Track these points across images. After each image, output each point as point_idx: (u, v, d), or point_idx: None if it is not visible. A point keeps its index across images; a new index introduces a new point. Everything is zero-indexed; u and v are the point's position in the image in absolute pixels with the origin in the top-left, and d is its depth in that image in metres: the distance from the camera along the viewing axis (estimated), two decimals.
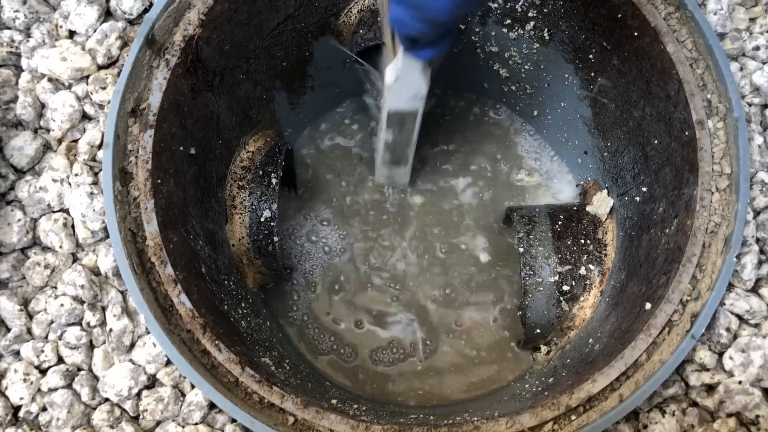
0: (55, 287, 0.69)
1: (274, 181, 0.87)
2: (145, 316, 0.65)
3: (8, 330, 0.68)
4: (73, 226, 0.70)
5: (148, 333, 0.67)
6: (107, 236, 0.69)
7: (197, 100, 0.78)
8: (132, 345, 0.67)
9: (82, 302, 0.68)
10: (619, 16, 0.76)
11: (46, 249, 0.70)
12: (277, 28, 0.86)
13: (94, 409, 0.66)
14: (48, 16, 0.75)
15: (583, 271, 0.85)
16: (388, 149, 0.95)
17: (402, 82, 0.80)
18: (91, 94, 0.72)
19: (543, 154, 1.07)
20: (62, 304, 0.67)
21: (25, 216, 0.70)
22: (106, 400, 0.66)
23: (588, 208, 0.91)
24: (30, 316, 0.68)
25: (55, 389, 0.66)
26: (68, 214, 0.70)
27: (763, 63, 0.76)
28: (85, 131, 0.73)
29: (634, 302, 0.74)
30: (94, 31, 0.73)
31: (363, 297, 1.00)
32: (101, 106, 0.73)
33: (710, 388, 0.67)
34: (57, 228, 0.69)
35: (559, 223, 0.88)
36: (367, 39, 0.88)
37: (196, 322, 0.65)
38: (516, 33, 0.91)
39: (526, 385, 0.84)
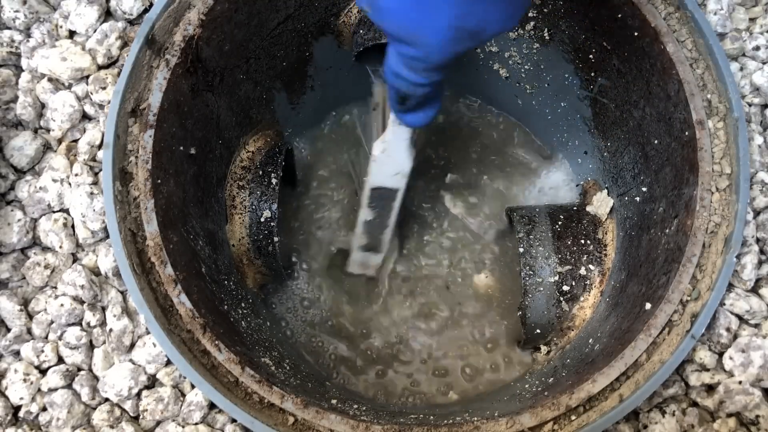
0: (55, 287, 0.69)
1: (274, 181, 0.87)
2: (145, 316, 0.65)
3: (8, 330, 0.68)
4: (73, 226, 0.70)
5: (148, 333, 0.67)
6: (107, 236, 0.69)
7: (197, 100, 0.78)
8: (132, 345, 0.67)
9: (82, 302, 0.68)
10: (619, 16, 0.76)
11: (46, 249, 0.70)
12: (277, 28, 0.86)
13: (94, 409, 0.66)
14: (48, 16, 0.75)
15: (583, 271, 0.85)
16: (366, 231, 0.92)
17: (388, 155, 0.78)
18: (91, 94, 0.72)
19: (543, 154, 1.07)
20: (62, 304, 0.67)
21: (25, 216, 0.70)
22: (106, 400, 0.66)
23: (588, 208, 0.91)
24: (30, 316, 0.68)
25: (55, 389, 0.66)
26: (68, 214, 0.70)
27: (763, 63, 0.76)
28: (85, 131, 0.73)
29: (634, 302, 0.74)
30: (94, 31, 0.73)
31: (363, 294, 1.00)
32: (101, 106, 0.73)
33: (710, 388, 0.67)
34: (57, 228, 0.69)
35: (559, 223, 0.88)
36: (367, 39, 0.87)
37: (196, 322, 0.65)
38: (516, 33, 0.91)
39: (526, 385, 0.84)
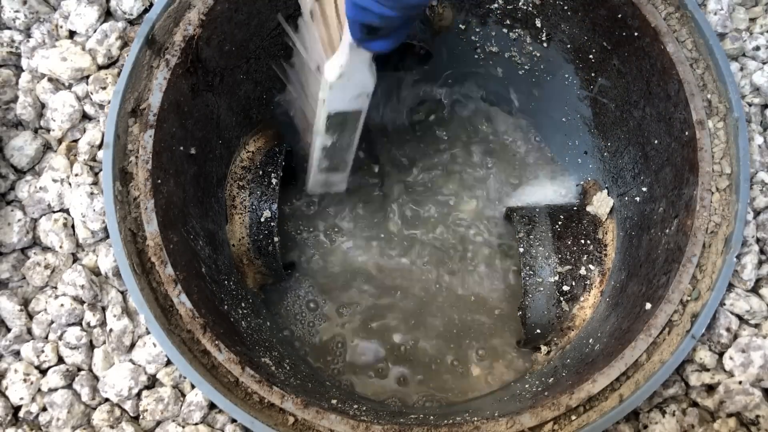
0: (55, 287, 0.69)
1: (274, 181, 0.87)
2: (145, 316, 0.65)
3: (8, 330, 0.68)
4: (73, 226, 0.70)
5: (148, 333, 0.67)
6: (107, 236, 0.69)
7: (197, 100, 0.78)
8: (132, 345, 0.67)
9: (82, 302, 0.68)
10: (619, 16, 0.76)
11: (46, 249, 0.70)
12: (277, 28, 0.86)
13: (94, 409, 0.66)
14: (48, 16, 0.75)
15: (583, 271, 0.85)
16: (326, 155, 0.85)
17: (346, 78, 0.70)
18: (91, 94, 0.72)
19: (543, 154, 1.07)
20: (62, 304, 0.67)
21: (25, 216, 0.70)
22: (106, 400, 0.66)
23: (588, 208, 0.91)
24: (30, 316, 0.68)
25: (55, 389, 0.66)
26: (68, 214, 0.70)
27: (763, 63, 0.76)
28: (85, 131, 0.73)
29: (634, 302, 0.74)
30: (95, 31, 0.73)
31: (364, 296, 1.00)
32: (101, 106, 0.73)
33: (710, 388, 0.67)
34: (57, 228, 0.69)
35: (559, 223, 0.88)
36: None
37: (196, 322, 0.65)
38: (516, 33, 0.91)
39: (526, 385, 0.84)
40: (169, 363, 0.67)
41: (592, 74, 0.87)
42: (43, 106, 0.73)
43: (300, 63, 0.81)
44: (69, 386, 0.66)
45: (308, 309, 0.99)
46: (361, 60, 0.69)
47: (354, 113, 0.77)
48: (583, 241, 0.87)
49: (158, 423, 0.66)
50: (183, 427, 0.66)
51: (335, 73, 0.69)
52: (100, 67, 0.74)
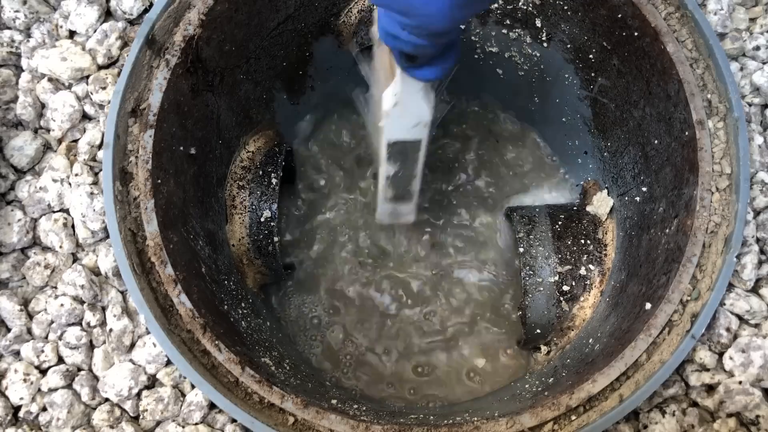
0: (55, 287, 0.69)
1: (274, 181, 0.87)
2: (145, 316, 0.65)
3: (8, 330, 0.68)
4: (73, 226, 0.70)
5: (148, 333, 0.67)
6: (107, 236, 0.69)
7: (197, 100, 0.78)
8: (132, 345, 0.67)
9: (82, 302, 0.68)
10: (619, 16, 0.76)
11: (46, 249, 0.70)
12: (277, 28, 0.86)
13: (94, 409, 0.66)
14: (48, 16, 0.75)
15: (583, 271, 0.85)
16: (391, 185, 0.85)
17: (402, 107, 0.70)
18: (91, 94, 0.72)
19: (543, 154, 1.07)
20: (62, 304, 0.67)
21: (25, 216, 0.70)
22: (106, 400, 0.66)
23: (588, 208, 0.91)
24: (30, 316, 0.68)
25: (55, 389, 0.66)
26: (68, 214, 0.70)
27: (764, 63, 0.76)
28: (85, 131, 0.73)
29: (634, 302, 0.74)
30: (95, 31, 0.73)
31: (364, 296, 1.00)
32: (101, 106, 0.73)
33: (710, 388, 0.67)
34: (57, 228, 0.69)
35: (559, 223, 0.88)
36: (368, 39, 0.88)
37: (196, 322, 0.65)
38: (516, 33, 0.91)
39: (526, 385, 0.84)
40: (169, 363, 0.67)
41: (592, 74, 0.87)
42: (43, 106, 0.73)
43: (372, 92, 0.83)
44: (69, 386, 0.66)
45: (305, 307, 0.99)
46: (415, 89, 0.68)
47: (413, 143, 0.77)
48: (583, 241, 0.87)
49: (158, 423, 0.66)
50: (183, 427, 0.66)
51: (390, 101, 0.70)
52: (100, 67, 0.74)
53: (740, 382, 0.65)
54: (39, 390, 0.66)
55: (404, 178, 0.84)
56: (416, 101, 0.70)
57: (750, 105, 0.75)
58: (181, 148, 0.75)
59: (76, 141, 0.73)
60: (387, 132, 0.75)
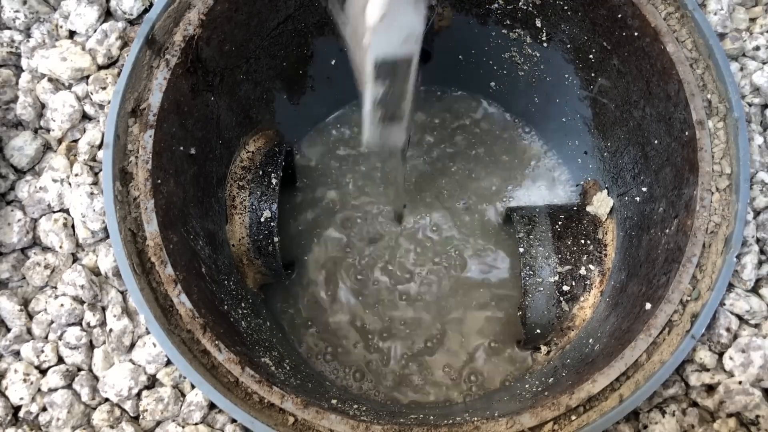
0: (55, 287, 0.69)
1: (274, 181, 0.87)
2: (145, 316, 0.65)
3: (8, 330, 0.68)
4: (73, 226, 0.70)
5: (148, 333, 0.67)
6: (107, 236, 0.69)
7: (197, 100, 0.78)
8: (132, 345, 0.67)
9: (82, 302, 0.68)
10: (619, 16, 0.76)
11: (46, 249, 0.70)
12: (277, 28, 0.86)
13: (94, 409, 0.66)
14: (48, 16, 0.75)
15: (583, 271, 0.85)
16: (379, 107, 0.76)
17: (390, 20, 0.63)
18: (91, 94, 0.72)
19: (543, 154, 1.07)
20: (62, 304, 0.67)
21: (25, 216, 0.70)
22: (106, 400, 0.66)
23: (588, 208, 0.91)
24: (30, 316, 0.68)
25: (55, 389, 0.66)
26: (68, 214, 0.70)
27: (763, 63, 0.76)
28: (85, 131, 0.73)
29: (634, 302, 0.74)
30: (94, 31, 0.73)
31: (364, 295, 1.00)
32: (101, 106, 0.73)
33: (710, 388, 0.67)
34: (57, 228, 0.69)
35: (559, 223, 0.88)
36: None
37: (196, 322, 0.65)
38: (516, 33, 0.91)
39: (526, 385, 0.84)
40: (169, 363, 0.67)
41: (592, 74, 0.87)
42: (43, 106, 0.73)
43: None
44: (69, 386, 0.66)
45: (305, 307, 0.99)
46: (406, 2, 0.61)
47: (403, 60, 0.68)
48: (583, 241, 0.87)
49: (158, 423, 0.66)
50: (183, 427, 0.66)
51: (376, 13, 0.62)
52: (100, 67, 0.74)
53: (740, 382, 0.65)
54: (39, 390, 0.66)
55: (393, 100, 0.74)
56: (406, 11, 0.62)
57: (750, 105, 0.74)
58: (181, 148, 0.75)
59: (76, 141, 0.73)
60: (373, 49, 0.66)
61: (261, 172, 0.89)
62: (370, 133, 0.81)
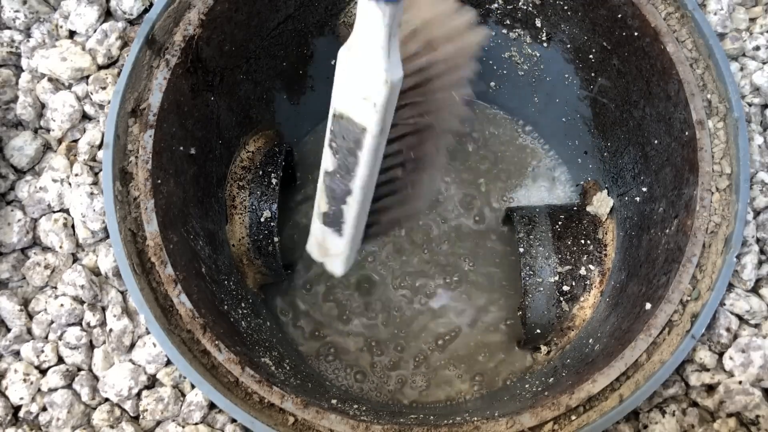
0: (55, 287, 0.69)
1: (274, 181, 0.87)
2: (145, 316, 0.65)
3: (8, 330, 0.68)
4: (73, 226, 0.70)
5: (148, 333, 0.67)
6: (107, 236, 0.69)
7: (197, 100, 0.78)
8: (132, 345, 0.67)
9: (82, 302, 0.68)
10: (619, 16, 0.76)
11: (46, 249, 0.70)
12: (277, 28, 0.86)
13: (94, 409, 0.66)
14: (48, 16, 0.75)
15: (583, 271, 0.85)
16: (327, 190, 0.60)
17: (357, 56, 0.49)
18: (91, 94, 0.72)
19: (543, 154, 1.07)
20: (62, 305, 0.67)
21: (25, 216, 0.70)
22: (106, 400, 0.66)
23: (588, 208, 0.91)
24: (30, 316, 0.68)
25: (55, 389, 0.66)
26: (68, 214, 0.70)
27: (764, 63, 0.76)
28: (85, 131, 0.73)
29: (634, 302, 0.74)
30: (94, 31, 0.73)
31: (364, 295, 1.00)
32: (101, 106, 0.73)
33: (710, 388, 0.67)
34: (57, 228, 0.69)
35: (559, 223, 0.88)
36: None
37: (196, 322, 0.65)
38: (516, 33, 0.91)
39: (526, 385, 0.84)
40: (169, 363, 0.67)
41: (592, 74, 0.87)
42: (43, 106, 0.73)
43: None
44: (69, 386, 0.66)
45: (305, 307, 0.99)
46: (377, 27, 0.47)
47: (357, 127, 0.53)
48: (583, 241, 0.87)
49: (158, 423, 0.66)
50: (183, 427, 0.66)
51: (347, 44, 0.51)
52: (100, 67, 0.74)
53: (740, 382, 0.65)
54: (39, 390, 0.66)
55: (340, 189, 0.58)
56: (374, 47, 0.47)
57: (750, 105, 0.74)
58: (181, 148, 0.75)
59: (76, 141, 0.73)
60: (335, 94, 0.54)
61: (261, 172, 0.89)
62: (312, 232, 0.66)
